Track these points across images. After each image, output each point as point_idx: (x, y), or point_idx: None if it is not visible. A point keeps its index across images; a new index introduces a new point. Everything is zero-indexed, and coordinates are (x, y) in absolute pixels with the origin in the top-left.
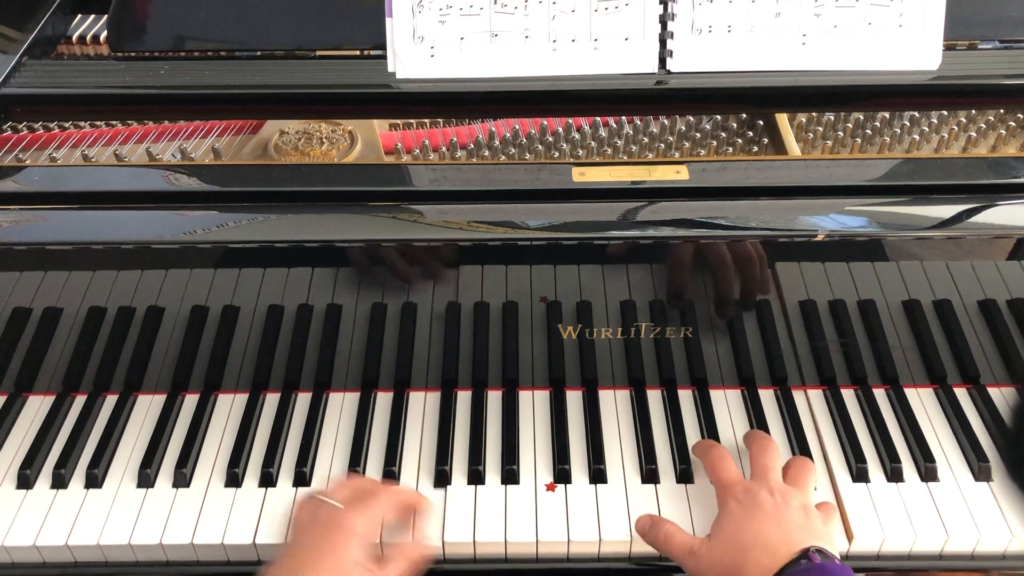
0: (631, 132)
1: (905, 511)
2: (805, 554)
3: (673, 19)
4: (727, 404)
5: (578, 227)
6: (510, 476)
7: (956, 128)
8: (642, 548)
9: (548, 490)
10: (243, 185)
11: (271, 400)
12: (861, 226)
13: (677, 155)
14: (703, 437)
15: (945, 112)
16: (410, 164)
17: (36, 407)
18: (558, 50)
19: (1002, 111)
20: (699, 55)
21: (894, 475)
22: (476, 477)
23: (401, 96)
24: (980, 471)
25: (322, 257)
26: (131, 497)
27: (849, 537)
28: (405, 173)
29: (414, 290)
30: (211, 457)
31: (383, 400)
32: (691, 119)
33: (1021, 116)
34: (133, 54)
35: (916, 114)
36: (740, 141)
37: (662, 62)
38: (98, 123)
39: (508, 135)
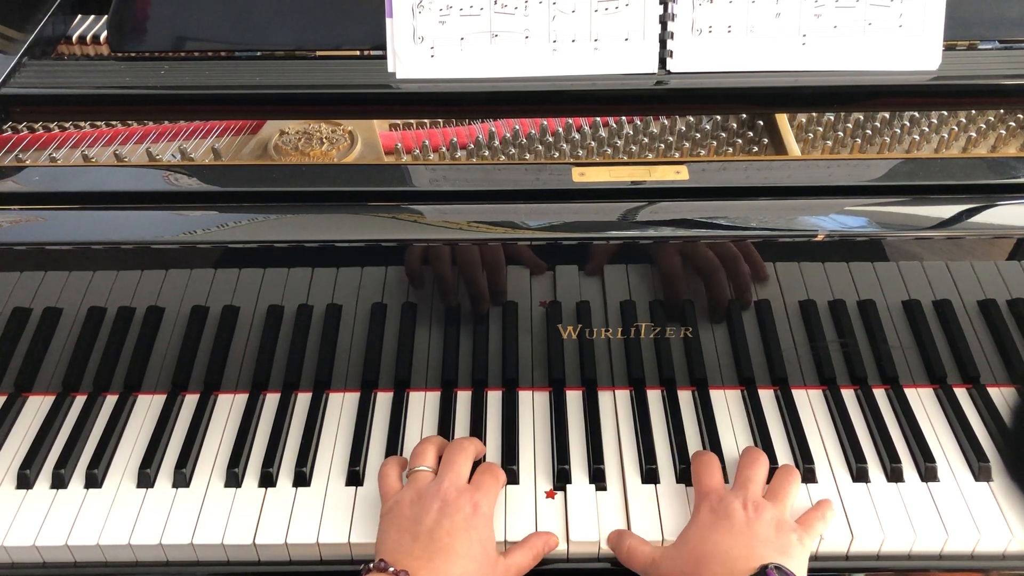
0: (631, 132)
1: (905, 511)
2: (763, 570)
3: (673, 19)
4: (727, 404)
5: (578, 227)
6: (510, 476)
7: (956, 128)
8: None
9: (548, 492)
10: (243, 185)
11: (271, 400)
12: (861, 226)
13: (677, 155)
14: (703, 437)
15: (945, 112)
16: (410, 164)
17: (36, 407)
18: (558, 50)
19: (1002, 111)
20: (699, 55)
21: (894, 475)
22: None
23: (401, 96)
24: (980, 471)
25: (322, 257)
26: (131, 497)
27: (849, 537)
28: (405, 173)
29: (414, 290)
30: (211, 457)
31: (383, 400)
32: (691, 119)
33: (1021, 116)
34: (133, 54)
35: (916, 114)
36: (740, 141)
37: (662, 62)
38: (98, 123)
39: (508, 135)
